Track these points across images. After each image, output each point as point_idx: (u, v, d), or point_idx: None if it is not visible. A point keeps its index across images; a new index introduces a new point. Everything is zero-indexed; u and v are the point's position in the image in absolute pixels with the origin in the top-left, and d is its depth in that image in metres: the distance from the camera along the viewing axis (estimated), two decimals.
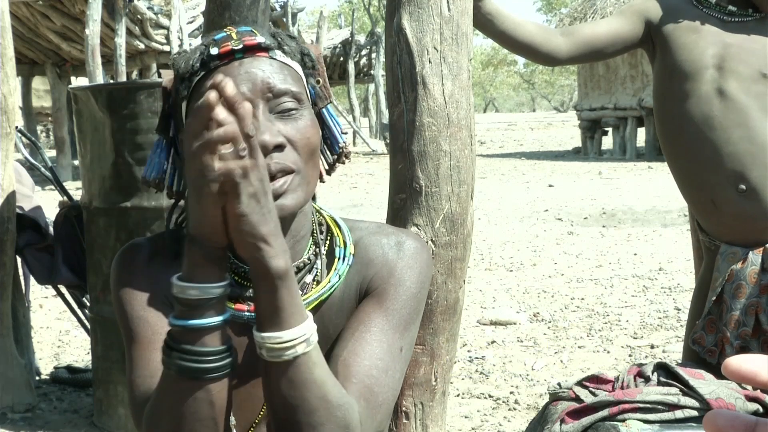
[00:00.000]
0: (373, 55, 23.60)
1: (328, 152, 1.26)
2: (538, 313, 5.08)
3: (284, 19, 17.87)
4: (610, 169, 14.48)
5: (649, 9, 2.18)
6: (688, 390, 1.84)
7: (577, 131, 20.82)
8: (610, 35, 2.17)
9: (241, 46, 1.12)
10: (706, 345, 2.09)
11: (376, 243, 1.23)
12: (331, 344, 1.17)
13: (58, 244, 3.54)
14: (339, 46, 22.81)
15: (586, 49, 2.16)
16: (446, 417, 1.74)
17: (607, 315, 4.97)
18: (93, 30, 11.91)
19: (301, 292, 1.12)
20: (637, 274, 6.09)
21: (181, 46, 14.05)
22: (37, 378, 3.97)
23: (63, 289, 3.78)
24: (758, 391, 1.88)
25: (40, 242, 3.60)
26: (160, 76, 1.30)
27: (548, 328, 4.76)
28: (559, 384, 2.00)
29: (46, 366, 4.26)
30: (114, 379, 3.25)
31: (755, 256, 2.02)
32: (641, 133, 17.91)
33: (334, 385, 1.07)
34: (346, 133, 1.29)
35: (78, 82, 17.08)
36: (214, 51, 1.12)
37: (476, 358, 4.23)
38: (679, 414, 1.80)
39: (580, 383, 1.98)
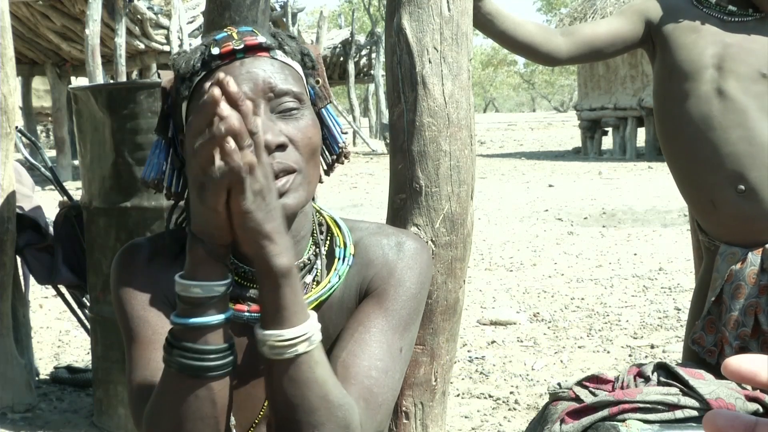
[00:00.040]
0: (373, 55, 23.60)
1: (327, 152, 1.26)
2: (538, 313, 5.08)
3: (284, 19, 17.86)
4: (610, 169, 14.48)
5: (649, 9, 2.18)
6: (688, 390, 1.84)
7: (577, 131, 20.82)
8: (610, 35, 2.17)
9: (242, 45, 1.12)
10: (706, 345, 2.09)
11: (377, 243, 1.23)
12: (330, 345, 1.17)
13: (58, 244, 3.54)
14: (339, 46, 22.81)
15: (587, 49, 2.16)
16: (446, 417, 1.74)
17: (607, 315, 4.97)
18: (93, 30, 11.92)
19: None
20: (637, 274, 6.09)
21: (181, 46, 14.05)
22: (37, 378, 3.97)
23: (63, 289, 3.78)
24: (758, 391, 1.88)
25: (40, 242, 3.60)
26: (159, 76, 1.29)
27: (548, 328, 4.76)
28: (559, 384, 2.00)
29: (46, 366, 4.26)
30: (114, 379, 3.25)
31: (754, 257, 2.02)
32: (641, 133, 17.91)
33: (335, 385, 1.07)
34: (346, 133, 1.29)
35: (78, 82, 17.08)
36: (215, 51, 1.12)
37: (476, 358, 4.23)
38: (679, 414, 1.80)
39: (580, 383, 1.98)
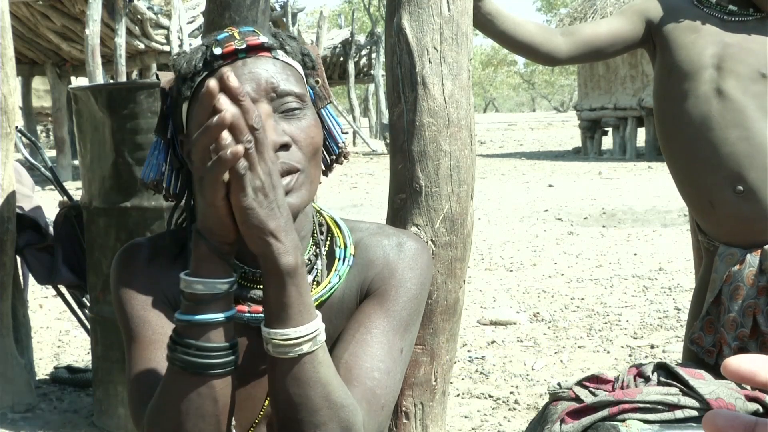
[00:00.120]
0: (373, 55, 23.60)
1: (326, 153, 1.27)
2: (538, 313, 5.08)
3: (284, 19, 17.86)
4: (610, 169, 14.48)
5: (649, 9, 2.17)
6: (688, 390, 1.84)
7: (577, 131, 20.82)
8: (610, 35, 2.17)
9: (244, 45, 1.12)
10: (705, 345, 2.09)
11: (377, 244, 1.23)
12: (331, 345, 1.17)
13: (58, 244, 3.54)
14: (339, 46, 22.81)
15: (587, 49, 2.16)
16: (446, 417, 1.74)
17: (607, 315, 4.97)
18: (93, 30, 11.92)
19: None
20: (637, 274, 6.09)
21: (181, 46, 14.05)
22: (37, 378, 3.97)
23: (63, 289, 3.78)
24: (758, 391, 1.88)
25: (40, 242, 3.60)
26: (157, 77, 1.29)
27: (548, 328, 4.76)
28: (559, 384, 2.00)
29: (46, 366, 4.26)
30: (114, 379, 3.25)
31: (753, 258, 2.02)
32: (641, 133, 17.91)
33: (339, 385, 1.07)
34: (346, 133, 1.29)
35: (78, 82, 17.08)
36: (217, 51, 1.12)
37: (476, 358, 4.23)
38: (679, 414, 1.80)
39: (580, 383, 1.98)
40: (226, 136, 0.95)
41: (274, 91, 1.12)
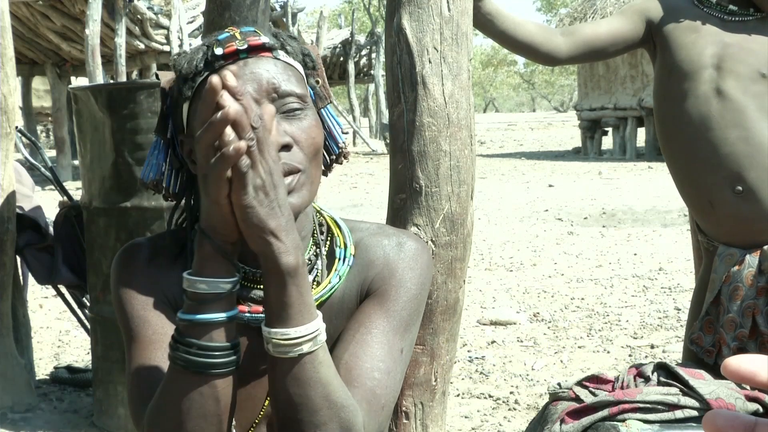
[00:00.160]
0: (373, 55, 23.59)
1: (326, 153, 1.27)
2: (538, 313, 5.08)
3: (284, 19, 17.86)
4: (610, 169, 14.48)
5: (650, 9, 2.17)
6: (688, 390, 1.84)
7: (577, 131, 20.82)
8: (611, 35, 2.17)
9: (246, 46, 1.13)
10: (704, 345, 2.09)
11: (377, 244, 1.23)
12: (331, 345, 1.17)
13: (58, 244, 3.54)
14: (339, 46, 22.81)
15: (587, 49, 2.16)
16: (446, 417, 1.74)
17: (607, 315, 4.97)
18: (93, 30, 11.92)
19: None
20: (637, 274, 6.09)
21: (181, 46, 14.05)
22: (37, 378, 3.97)
23: (63, 289, 3.78)
24: (757, 391, 1.88)
25: (40, 242, 3.60)
26: (157, 77, 1.30)
27: (548, 328, 4.76)
28: (559, 384, 2.00)
29: (46, 366, 4.26)
30: (114, 379, 3.25)
31: (752, 259, 2.02)
32: (641, 133, 17.91)
33: (339, 386, 1.07)
34: (346, 134, 1.29)
35: (78, 82, 17.08)
36: (218, 51, 1.12)
37: (476, 358, 4.23)
38: (679, 414, 1.80)
39: (580, 383, 1.98)
40: (229, 132, 0.95)
41: (276, 92, 1.12)
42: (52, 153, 17.89)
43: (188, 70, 1.14)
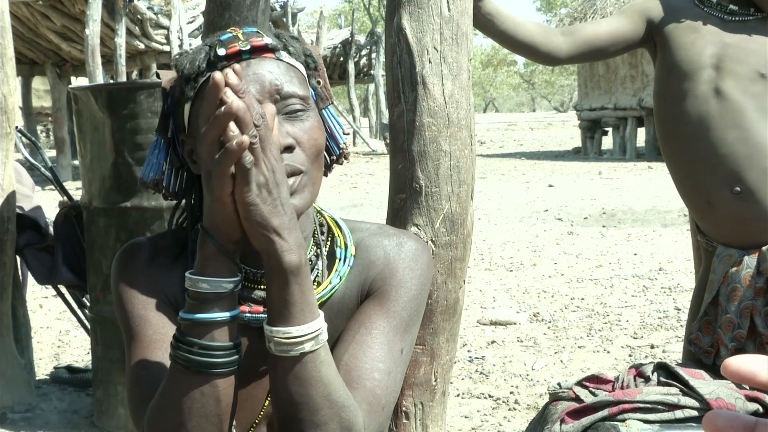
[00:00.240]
0: (373, 55, 23.59)
1: (326, 153, 1.27)
2: (538, 313, 5.08)
3: (284, 19, 17.87)
4: (610, 169, 14.48)
5: (650, 8, 2.17)
6: (688, 390, 1.84)
7: (577, 131, 20.82)
8: (611, 35, 2.16)
9: (248, 47, 1.13)
10: (703, 346, 2.09)
11: (378, 244, 1.23)
12: (331, 346, 1.17)
13: (58, 244, 3.54)
14: (339, 46, 22.81)
15: (587, 49, 2.15)
16: (446, 417, 1.74)
17: (607, 315, 4.97)
18: (93, 30, 11.92)
19: None
20: (637, 274, 6.09)
21: (181, 46, 14.05)
22: (37, 378, 3.97)
23: (63, 289, 3.78)
24: (757, 391, 1.88)
25: (40, 242, 3.60)
26: (158, 76, 1.30)
27: (548, 328, 4.76)
28: (559, 384, 2.00)
29: (46, 366, 4.26)
30: (114, 379, 3.25)
31: (750, 259, 2.01)
32: (641, 133, 17.91)
33: (340, 385, 1.07)
34: (347, 134, 1.30)
35: (78, 82, 17.08)
36: (221, 52, 1.12)
37: (476, 358, 4.23)
38: (679, 414, 1.80)
39: (580, 383, 1.98)
40: (233, 127, 0.96)
41: (278, 93, 1.13)
42: (52, 153, 17.89)
43: (190, 70, 1.14)
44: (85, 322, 3.67)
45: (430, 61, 1.61)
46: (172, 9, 14.24)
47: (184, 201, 1.24)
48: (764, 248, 2.01)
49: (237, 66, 0.99)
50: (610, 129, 18.53)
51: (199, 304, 1.03)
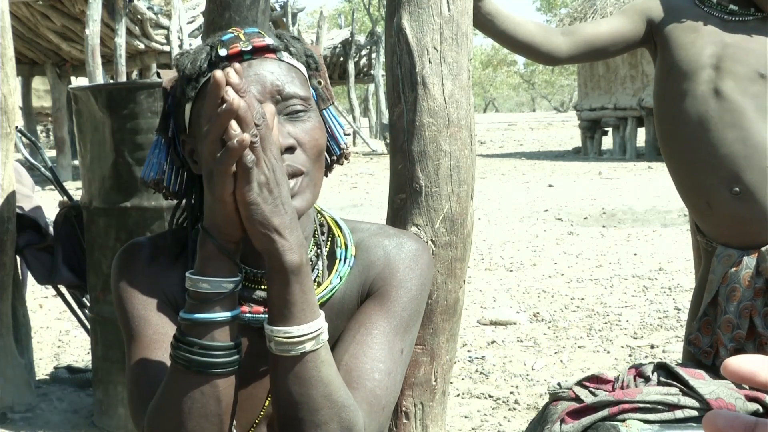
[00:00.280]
0: (373, 55, 23.59)
1: (327, 153, 1.27)
2: (538, 313, 5.08)
3: (284, 19, 17.86)
4: (610, 169, 14.48)
5: (651, 8, 2.17)
6: (688, 390, 1.84)
7: (577, 131, 20.82)
8: (611, 35, 2.16)
9: (250, 47, 1.13)
10: (702, 346, 2.09)
11: (378, 244, 1.23)
12: (331, 346, 1.17)
13: (58, 244, 3.54)
14: (339, 46, 22.81)
15: (587, 49, 2.15)
16: (446, 417, 1.74)
17: (607, 315, 4.97)
18: (93, 30, 11.92)
19: None
20: (637, 274, 6.09)
21: (181, 46, 14.06)
22: (37, 378, 3.97)
23: (63, 289, 3.78)
24: (757, 391, 1.88)
25: (40, 242, 3.60)
26: (159, 76, 1.30)
27: (548, 328, 4.76)
28: (559, 384, 2.00)
29: (46, 366, 4.26)
30: (114, 379, 3.25)
31: (750, 260, 2.01)
32: (641, 133, 17.91)
33: (340, 385, 1.07)
34: (348, 135, 1.30)
35: (78, 82, 17.08)
36: (222, 52, 1.12)
37: (476, 358, 4.23)
38: (679, 414, 1.80)
39: (580, 383, 1.98)
40: (234, 126, 0.96)
41: (279, 94, 1.13)
42: (52, 153, 17.89)
43: (192, 70, 1.14)
44: (85, 322, 3.67)
45: (430, 61, 1.61)
46: (172, 9, 14.24)
47: (184, 201, 1.24)
48: (763, 249, 2.00)
49: (237, 65, 0.99)
50: (610, 129, 18.53)
51: (199, 304, 1.03)
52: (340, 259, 1.21)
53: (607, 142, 19.56)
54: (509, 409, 3.52)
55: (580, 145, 19.66)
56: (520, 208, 9.89)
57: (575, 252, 7.05)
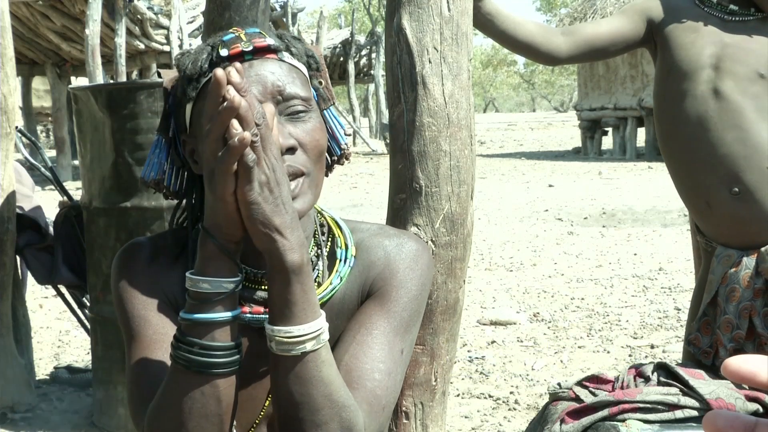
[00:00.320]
0: (373, 55, 23.59)
1: (327, 154, 1.26)
2: (538, 313, 5.08)
3: (284, 19, 17.86)
4: (610, 169, 14.48)
5: (651, 8, 2.17)
6: (688, 390, 1.84)
7: (577, 131, 20.82)
8: (611, 34, 2.16)
9: (251, 47, 1.13)
10: (702, 346, 2.08)
11: (378, 245, 1.23)
12: (331, 346, 1.17)
13: (58, 244, 3.54)
14: (339, 46, 22.81)
15: (587, 49, 2.15)
16: (446, 417, 1.74)
17: (607, 315, 4.97)
18: (93, 30, 11.92)
19: None
20: (637, 274, 6.09)
21: (181, 46, 14.06)
22: (37, 378, 3.97)
23: (63, 289, 3.78)
24: (757, 391, 1.88)
25: (40, 242, 3.60)
26: (159, 76, 1.30)
27: (548, 328, 4.76)
28: (559, 384, 2.00)
29: (46, 366, 4.26)
30: (114, 379, 3.25)
31: (749, 260, 2.01)
32: (641, 133, 17.92)
33: (341, 385, 1.07)
34: (348, 135, 1.30)
35: (78, 82, 17.08)
36: (224, 52, 1.12)
37: (476, 358, 4.23)
38: (679, 414, 1.80)
39: (580, 383, 1.98)
40: (236, 125, 0.96)
41: (280, 94, 1.13)
42: (52, 153, 17.89)
43: (193, 70, 1.14)
44: (85, 322, 3.67)
45: (430, 61, 1.61)
46: (172, 9, 14.25)
47: (184, 201, 1.24)
48: (763, 249, 2.00)
49: (238, 64, 0.99)
50: (610, 129, 18.53)
51: (199, 304, 1.03)
52: (341, 260, 1.21)
53: (607, 142, 19.56)
54: (509, 409, 3.52)
55: (580, 145, 19.66)
56: (520, 208, 9.89)
57: (575, 252, 7.05)
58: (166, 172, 1.23)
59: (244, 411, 1.16)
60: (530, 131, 30.54)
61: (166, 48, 14.54)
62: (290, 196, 1.03)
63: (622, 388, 1.93)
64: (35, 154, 5.00)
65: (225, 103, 0.96)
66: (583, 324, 4.80)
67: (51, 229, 3.62)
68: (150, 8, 14.23)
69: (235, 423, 1.11)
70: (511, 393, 3.70)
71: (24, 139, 4.06)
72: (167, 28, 14.44)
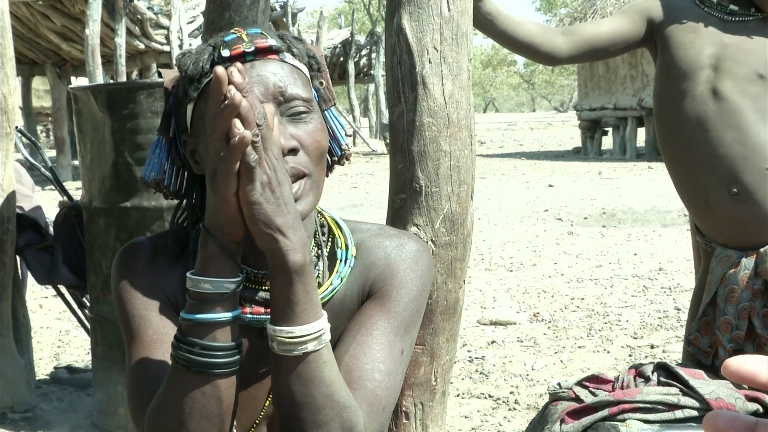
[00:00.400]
0: (373, 55, 23.59)
1: (328, 154, 1.26)
2: (538, 313, 5.08)
3: (284, 19, 17.86)
4: (610, 169, 14.48)
5: (651, 8, 2.17)
6: (688, 390, 1.84)
7: (577, 131, 20.82)
8: (611, 34, 2.16)
9: (252, 48, 1.13)
10: (701, 346, 2.09)
11: (378, 245, 1.23)
12: (332, 346, 1.17)
13: (58, 244, 3.54)
14: (339, 46, 22.81)
15: (588, 49, 2.15)
16: (446, 417, 1.74)
17: (607, 315, 4.97)
18: (93, 30, 11.92)
19: None
20: (637, 274, 6.09)
21: (181, 46, 14.06)
22: (37, 378, 3.97)
23: (63, 289, 3.78)
24: (757, 391, 1.88)
25: (40, 242, 3.60)
26: (160, 75, 1.30)
27: (548, 328, 4.77)
28: (559, 384, 2.00)
29: (46, 366, 4.26)
30: (114, 379, 3.25)
31: (748, 261, 2.01)
32: (641, 133, 17.92)
33: (342, 386, 1.07)
34: (349, 135, 1.30)
35: (78, 82, 17.08)
36: (225, 53, 1.12)
37: (476, 358, 4.23)
38: (679, 414, 1.80)
39: (580, 383, 1.98)
40: (238, 125, 0.96)
41: (282, 95, 1.13)
42: (52, 153, 17.89)
43: (194, 71, 1.14)
44: (85, 322, 3.67)
45: (430, 61, 1.61)
46: (172, 9, 14.25)
47: (185, 201, 1.24)
48: (762, 250, 2.00)
49: (239, 64, 0.99)
50: (610, 129, 18.53)
51: (200, 304, 1.03)
52: (341, 260, 1.21)
53: (607, 142, 19.56)
54: (509, 409, 3.52)
55: (580, 145, 19.66)
56: (520, 208, 9.89)
57: (575, 252, 7.05)
58: (166, 172, 1.23)
59: (245, 411, 1.17)
60: (530, 131, 30.54)
61: (166, 48, 14.54)
62: (292, 196, 1.03)
63: (622, 388, 1.93)
64: (35, 154, 5.00)
65: (226, 102, 0.96)
66: (583, 324, 4.80)
67: (51, 229, 3.62)
68: (150, 8, 14.23)
69: (235, 423, 1.11)
70: (511, 393, 3.70)
71: (24, 139, 4.06)
72: (167, 28, 14.44)
